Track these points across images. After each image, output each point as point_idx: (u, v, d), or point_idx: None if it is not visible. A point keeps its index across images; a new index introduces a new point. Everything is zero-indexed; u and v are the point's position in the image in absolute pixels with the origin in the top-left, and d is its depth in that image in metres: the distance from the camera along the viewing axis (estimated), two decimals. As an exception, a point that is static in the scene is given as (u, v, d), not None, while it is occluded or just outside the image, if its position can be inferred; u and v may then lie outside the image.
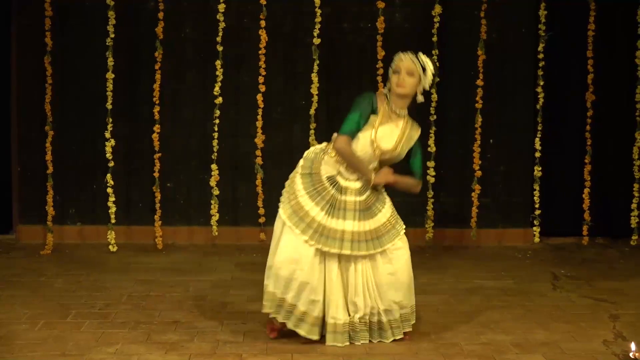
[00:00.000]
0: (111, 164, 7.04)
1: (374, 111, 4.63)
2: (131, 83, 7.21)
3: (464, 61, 7.38)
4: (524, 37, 7.43)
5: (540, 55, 7.33)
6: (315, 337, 4.63)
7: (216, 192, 7.13)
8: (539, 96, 7.36)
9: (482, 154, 7.37)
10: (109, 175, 7.06)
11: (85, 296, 5.59)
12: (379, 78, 7.17)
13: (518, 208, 7.55)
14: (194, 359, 4.44)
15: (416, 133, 4.78)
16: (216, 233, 7.18)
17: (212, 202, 7.15)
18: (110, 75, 6.99)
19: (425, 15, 7.22)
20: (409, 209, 7.42)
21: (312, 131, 7.19)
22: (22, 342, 4.65)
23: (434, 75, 4.70)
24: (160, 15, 7.03)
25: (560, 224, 7.64)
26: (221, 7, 7.02)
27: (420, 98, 4.68)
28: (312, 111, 7.14)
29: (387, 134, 4.65)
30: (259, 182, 7.18)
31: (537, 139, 7.39)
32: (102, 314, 5.19)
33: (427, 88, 4.69)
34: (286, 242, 4.61)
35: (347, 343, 4.63)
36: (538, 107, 7.38)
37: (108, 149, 7.03)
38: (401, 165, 4.90)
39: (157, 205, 7.18)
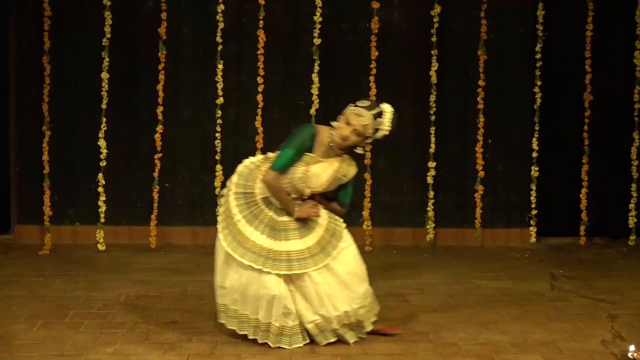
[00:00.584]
0: (103, 163, 7.05)
1: (310, 149, 4.53)
2: (129, 83, 7.21)
3: (462, 61, 7.38)
4: (521, 37, 7.43)
5: (538, 56, 7.33)
6: (300, 344, 4.59)
7: (218, 192, 7.14)
8: (536, 96, 7.36)
9: (482, 154, 7.36)
10: (100, 175, 7.06)
11: (84, 296, 5.59)
12: (372, 78, 7.17)
13: (516, 208, 7.56)
14: (192, 359, 4.44)
15: (352, 172, 4.67)
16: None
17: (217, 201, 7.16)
18: (105, 76, 7.00)
19: (423, 15, 7.23)
20: (408, 209, 7.46)
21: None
22: (21, 343, 4.64)
23: (389, 132, 4.54)
24: (164, 15, 7.03)
25: (559, 224, 7.64)
26: (220, 7, 7.03)
27: (359, 150, 4.61)
28: (312, 111, 7.13)
29: (319, 173, 4.54)
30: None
31: (534, 139, 7.39)
32: (100, 314, 5.18)
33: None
34: (237, 267, 4.55)
35: (334, 339, 4.63)
36: (536, 107, 7.38)
37: (102, 149, 7.03)
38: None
39: (155, 205, 7.18)
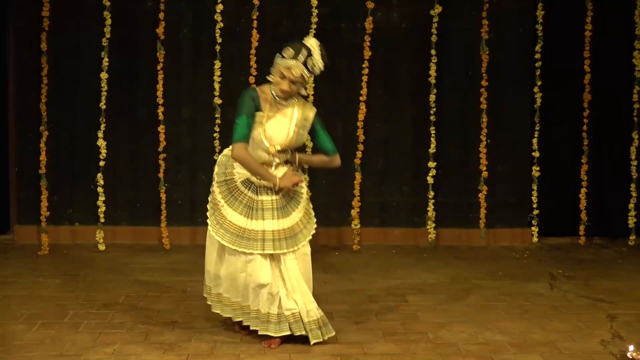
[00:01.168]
0: (102, 163, 7.05)
1: (257, 108, 4.56)
2: (128, 83, 7.21)
3: (462, 61, 7.38)
4: (521, 37, 7.43)
5: (538, 55, 7.33)
6: (287, 332, 4.58)
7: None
8: (536, 96, 7.36)
9: (481, 153, 7.37)
10: (99, 175, 7.06)
11: (83, 296, 5.59)
12: (364, 78, 7.18)
13: (515, 208, 7.56)
14: (192, 359, 4.44)
15: (310, 113, 4.68)
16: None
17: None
18: (104, 76, 7.00)
19: (423, 15, 7.23)
20: (408, 209, 7.46)
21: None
22: (20, 343, 4.64)
23: (323, 65, 4.56)
24: (161, 15, 7.03)
25: (558, 224, 7.64)
26: (218, 7, 7.03)
27: (303, 92, 4.65)
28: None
29: (277, 127, 4.58)
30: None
31: (535, 139, 7.39)
32: (99, 315, 5.18)
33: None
34: (228, 255, 4.62)
35: (300, 333, 4.60)
36: (536, 107, 7.38)
37: (102, 149, 7.04)
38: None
39: (163, 206, 7.18)
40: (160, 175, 7.18)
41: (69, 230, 7.30)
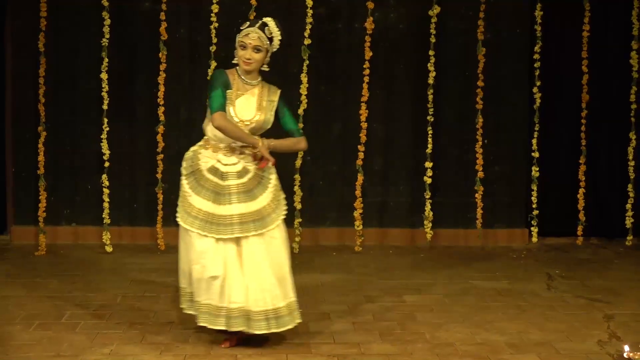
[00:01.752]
0: (107, 164, 7.04)
1: (227, 86, 4.65)
2: (125, 84, 7.20)
3: (460, 62, 7.39)
4: (519, 37, 7.43)
5: (537, 56, 7.34)
6: (241, 327, 4.55)
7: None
8: (535, 97, 7.36)
9: (477, 154, 7.37)
10: (104, 176, 7.06)
11: (80, 297, 5.59)
12: (366, 79, 7.17)
13: (513, 208, 7.56)
14: (189, 360, 4.45)
15: (275, 95, 4.77)
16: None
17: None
18: (104, 76, 6.99)
19: (420, 15, 7.23)
20: (407, 209, 7.46)
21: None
22: (17, 343, 4.64)
23: (280, 40, 4.74)
24: (162, 16, 7.03)
25: (555, 224, 7.64)
26: (214, 7, 7.02)
27: (265, 68, 4.74)
28: (300, 111, 7.13)
29: (245, 105, 4.66)
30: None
31: (534, 140, 7.39)
32: (96, 315, 5.18)
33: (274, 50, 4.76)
34: (186, 244, 4.65)
35: (242, 328, 4.54)
36: (535, 107, 7.38)
37: (105, 150, 7.03)
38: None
39: (160, 207, 7.18)
40: (158, 175, 7.17)
41: (65, 231, 7.30)
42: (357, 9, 7.27)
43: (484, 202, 7.44)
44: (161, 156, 7.15)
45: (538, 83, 7.35)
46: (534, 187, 7.44)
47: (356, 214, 7.27)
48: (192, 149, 4.80)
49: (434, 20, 7.18)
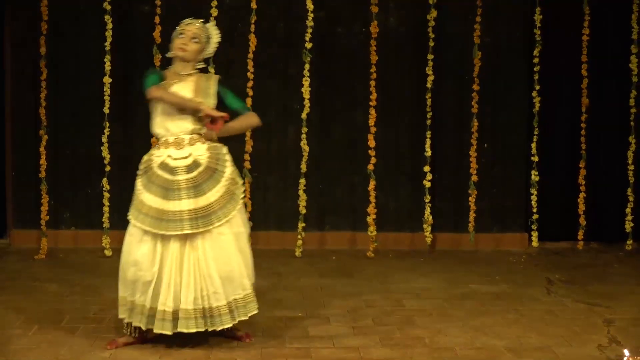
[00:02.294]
0: (107, 168, 7.04)
1: (162, 78, 4.68)
2: (125, 87, 7.20)
3: (459, 65, 7.39)
4: (518, 41, 7.44)
5: (536, 60, 7.34)
6: (168, 331, 4.53)
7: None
8: (534, 100, 7.37)
9: (478, 158, 7.37)
10: (105, 180, 7.06)
11: (80, 301, 5.58)
12: (372, 83, 7.17)
13: (513, 212, 7.55)
14: (188, 364, 4.45)
15: (213, 81, 4.77)
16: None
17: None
18: (107, 80, 7.00)
19: (419, 19, 7.24)
20: (406, 213, 7.46)
21: (303, 135, 7.18)
22: (16, 347, 4.64)
23: (218, 44, 4.82)
24: (157, 19, 7.04)
25: (555, 229, 7.64)
26: (214, 11, 7.03)
27: (201, 65, 4.78)
28: (303, 115, 7.13)
29: (180, 90, 4.66)
30: (247, 185, 7.13)
31: (534, 144, 7.39)
32: (96, 319, 5.18)
33: (209, 55, 4.86)
34: (128, 244, 4.63)
35: (176, 330, 4.52)
36: (534, 111, 7.38)
37: (105, 153, 7.03)
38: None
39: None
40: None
41: (65, 235, 7.30)
42: (356, 13, 7.28)
43: (484, 206, 7.43)
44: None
45: (537, 87, 7.35)
46: (534, 191, 7.44)
47: (369, 219, 7.25)
48: (148, 153, 4.79)
49: (432, 24, 7.18)
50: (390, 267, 6.82)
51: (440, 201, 7.45)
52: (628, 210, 7.49)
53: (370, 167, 7.23)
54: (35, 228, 7.14)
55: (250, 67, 7.10)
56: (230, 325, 4.62)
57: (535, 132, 7.40)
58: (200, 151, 4.66)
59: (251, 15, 7.07)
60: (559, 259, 7.22)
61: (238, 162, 7.13)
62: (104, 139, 7.04)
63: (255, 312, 4.68)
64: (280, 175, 7.42)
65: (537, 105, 7.37)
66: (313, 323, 5.15)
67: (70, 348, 4.64)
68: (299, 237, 7.16)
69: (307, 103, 7.11)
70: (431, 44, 7.19)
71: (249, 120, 4.89)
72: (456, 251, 7.40)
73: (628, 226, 7.49)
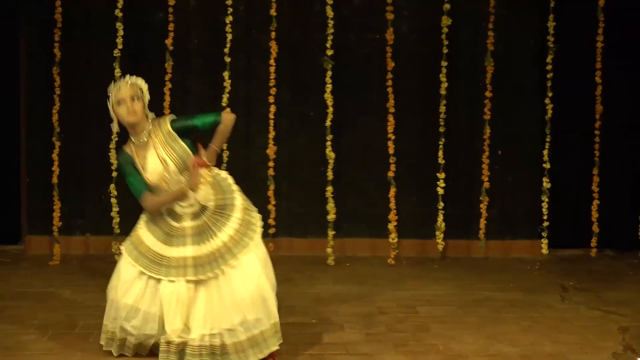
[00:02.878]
0: (115, 174, 7.06)
1: (133, 162, 4.55)
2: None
3: (472, 72, 7.38)
4: (532, 48, 7.43)
5: (549, 67, 7.33)
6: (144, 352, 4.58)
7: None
8: (547, 107, 7.35)
9: (491, 165, 7.36)
10: (112, 186, 7.08)
11: (93, 307, 5.58)
12: (390, 89, 7.17)
13: (526, 219, 7.52)
14: (201, 370, 4.44)
15: (166, 125, 4.57)
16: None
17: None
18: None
19: (433, 26, 7.23)
20: (418, 220, 7.44)
21: (328, 142, 7.19)
22: (30, 353, 4.66)
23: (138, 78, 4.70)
24: (171, 27, 7.06)
25: (569, 236, 7.61)
26: (228, 18, 7.05)
27: (151, 115, 4.64)
28: (327, 122, 7.15)
29: (152, 163, 4.53)
30: (271, 192, 7.16)
31: (545, 151, 7.37)
32: (109, 325, 5.19)
33: (148, 101, 4.69)
34: (124, 276, 4.56)
35: None
36: (547, 118, 7.36)
37: (113, 159, 7.06)
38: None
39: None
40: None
41: (79, 241, 7.32)
42: (370, 20, 7.28)
43: (496, 213, 7.42)
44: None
45: (550, 94, 7.34)
46: (545, 199, 7.42)
47: (391, 226, 7.24)
48: None
49: (445, 31, 7.18)
50: (403, 273, 6.81)
51: (452, 208, 7.43)
52: (641, 217, 7.47)
53: (391, 173, 7.22)
54: (49, 234, 7.16)
55: (271, 75, 7.09)
56: None
57: (548, 139, 7.38)
58: (205, 193, 4.56)
59: (271, 23, 7.07)
60: (572, 266, 7.19)
61: (259, 169, 7.20)
62: (112, 145, 7.06)
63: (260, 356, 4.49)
64: (298, 181, 7.40)
65: (550, 112, 7.36)
66: (327, 329, 5.15)
67: (84, 354, 4.65)
68: (328, 245, 7.13)
69: (330, 110, 7.11)
70: (445, 51, 7.19)
71: (226, 122, 4.60)
72: (467, 258, 7.38)
73: (642, 234, 7.47)
